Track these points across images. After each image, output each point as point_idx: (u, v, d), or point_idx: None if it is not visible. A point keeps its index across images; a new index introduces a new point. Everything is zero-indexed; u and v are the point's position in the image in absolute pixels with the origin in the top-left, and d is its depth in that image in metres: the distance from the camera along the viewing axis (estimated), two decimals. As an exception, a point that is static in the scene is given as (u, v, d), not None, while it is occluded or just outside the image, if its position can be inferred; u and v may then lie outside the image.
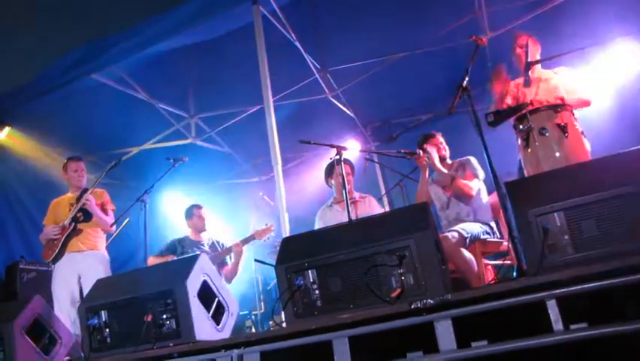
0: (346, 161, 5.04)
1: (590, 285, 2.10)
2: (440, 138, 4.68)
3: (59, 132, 6.44)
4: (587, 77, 4.22)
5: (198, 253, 3.88)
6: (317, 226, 5.22)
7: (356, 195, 5.15)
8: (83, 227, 5.04)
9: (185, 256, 5.15)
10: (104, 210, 5.16)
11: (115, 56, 5.37)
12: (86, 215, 5.06)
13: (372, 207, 5.04)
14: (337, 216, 5.05)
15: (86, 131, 6.61)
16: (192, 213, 5.82)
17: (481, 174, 4.43)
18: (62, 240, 4.94)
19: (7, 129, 6.12)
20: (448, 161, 4.63)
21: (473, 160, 4.50)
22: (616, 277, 2.06)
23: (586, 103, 4.00)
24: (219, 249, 5.72)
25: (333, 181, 5.20)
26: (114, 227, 5.22)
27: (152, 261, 5.42)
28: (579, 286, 2.11)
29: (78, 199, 5.08)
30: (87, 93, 5.92)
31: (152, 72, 5.90)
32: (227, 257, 5.65)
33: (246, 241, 5.56)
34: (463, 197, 4.36)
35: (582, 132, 3.66)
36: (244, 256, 5.65)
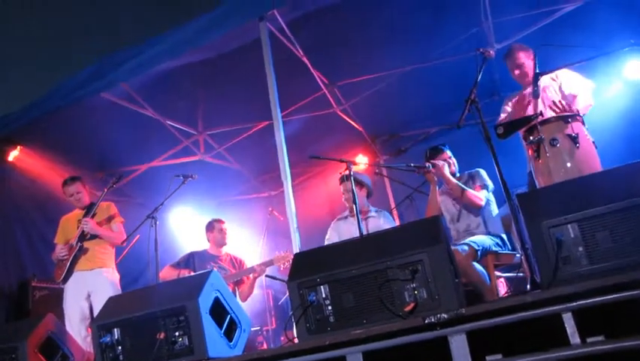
0: (348, 177, 5.07)
1: (607, 297, 2.08)
2: (448, 152, 4.68)
3: (69, 150, 6.48)
4: (587, 80, 4.23)
5: (210, 269, 3.88)
6: (329, 237, 5.23)
7: (372, 210, 5.17)
8: (90, 245, 5.06)
9: (199, 272, 5.17)
10: (112, 224, 5.16)
11: (123, 74, 5.40)
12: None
13: (386, 222, 5.05)
14: (351, 228, 5.05)
15: (95, 149, 6.65)
16: (213, 226, 5.84)
17: (490, 185, 4.43)
18: (70, 260, 4.96)
19: (18, 148, 6.18)
20: (457, 174, 4.63)
21: (482, 172, 4.51)
22: (633, 289, 2.03)
23: (588, 106, 4.00)
24: (236, 265, 5.73)
25: (344, 196, 5.21)
26: (125, 241, 5.23)
27: (166, 270, 5.45)
28: (595, 299, 2.09)
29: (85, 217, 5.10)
30: (96, 111, 5.95)
31: (160, 89, 5.93)
32: (244, 276, 5.65)
33: (264, 265, 5.56)
34: (473, 208, 4.36)
35: (593, 142, 3.65)
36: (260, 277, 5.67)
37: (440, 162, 4.44)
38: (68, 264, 4.96)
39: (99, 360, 3.21)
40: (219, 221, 5.89)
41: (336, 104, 6.77)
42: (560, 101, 3.79)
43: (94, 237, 5.08)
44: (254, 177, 8.51)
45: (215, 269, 4.02)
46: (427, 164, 4.48)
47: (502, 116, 4.49)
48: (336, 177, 5.23)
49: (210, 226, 5.87)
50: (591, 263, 2.34)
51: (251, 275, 5.54)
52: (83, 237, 5.05)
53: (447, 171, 4.41)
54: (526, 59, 4.32)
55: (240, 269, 5.70)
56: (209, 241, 5.89)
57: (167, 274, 5.48)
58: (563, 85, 4.20)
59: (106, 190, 5.20)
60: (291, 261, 5.44)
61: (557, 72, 4.28)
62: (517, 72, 4.41)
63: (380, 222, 5.03)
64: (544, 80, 4.27)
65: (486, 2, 5.33)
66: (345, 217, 5.25)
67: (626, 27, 5.51)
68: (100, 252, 5.09)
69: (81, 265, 5.00)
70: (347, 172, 4.43)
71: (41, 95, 5.76)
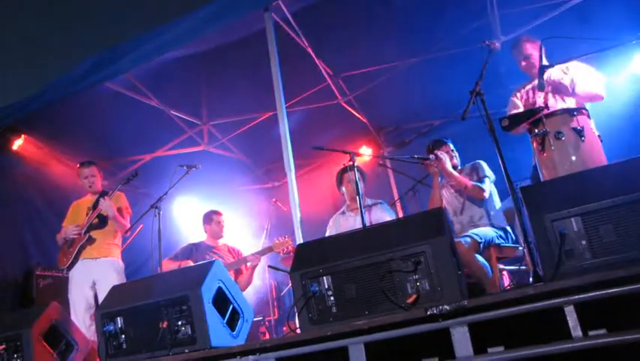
0: (351, 168, 5.05)
1: (609, 291, 2.07)
2: (450, 145, 4.66)
3: (73, 139, 6.50)
4: (599, 73, 4.22)
5: (213, 259, 3.89)
6: (329, 233, 5.22)
7: (369, 201, 5.14)
8: (97, 235, 5.11)
9: (201, 262, 5.18)
10: (121, 214, 5.21)
11: (127, 63, 5.38)
12: (102, 221, 5.12)
13: (384, 213, 5.03)
14: (350, 222, 5.05)
15: (99, 139, 6.65)
16: (211, 218, 5.84)
17: (492, 176, 4.43)
18: (77, 248, 5.00)
19: (22, 137, 6.20)
20: (459, 167, 4.62)
21: (483, 163, 4.50)
22: (636, 283, 2.03)
23: (597, 97, 4.00)
24: (234, 255, 5.73)
25: (344, 188, 5.20)
26: (129, 231, 5.28)
27: (166, 264, 5.46)
28: (598, 292, 2.09)
29: (95, 205, 5.14)
30: (100, 101, 5.96)
31: (165, 79, 5.93)
32: (243, 265, 5.65)
33: (263, 252, 5.56)
34: (477, 199, 4.35)
35: (599, 136, 3.63)
36: (259, 265, 5.67)
37: (443, 155, 4.42)
38: (75, 252, 5.00)
39: (103, 348, 3.24)
40: (217, 213, 5.90)
41: (340, 95, 6.76)
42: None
43: (101, 227, 5.13)
44: (257, 167, 8.52)
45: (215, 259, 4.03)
46: (431, 155, 4.47)
47: (510, 107, 4.48)
48: (339, 169, 5.20)
49: (208, 218, 5.88)
50: (594, 257, 2.34)
51: (249, 264, 5.54)
52: (91, 225, 5.09)
53: (448, 165, 4.39)
54: (533, 51, 4.30)
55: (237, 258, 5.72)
56: (205, 232, 5.90)
57: (166, 267, 5.49)
58: (575, 78, 4.17)
59: (119, 185, 5.30)
60: (290, 246, 5.47)
61: (568, 64, 4.24)
62: (524, 64, 4.41)
63: (379, 212, 5.02)
64: (553, 73, 4.24)
65: (493, -6, 5.29)
66: (343, 212, 5.24)
67: (634, 20, 5.45)
68: (106, 242, 5.15)
69: (87, 253, 5.06)
70: (350, 163, 4.40)
71: (45, 84, 5.76)
